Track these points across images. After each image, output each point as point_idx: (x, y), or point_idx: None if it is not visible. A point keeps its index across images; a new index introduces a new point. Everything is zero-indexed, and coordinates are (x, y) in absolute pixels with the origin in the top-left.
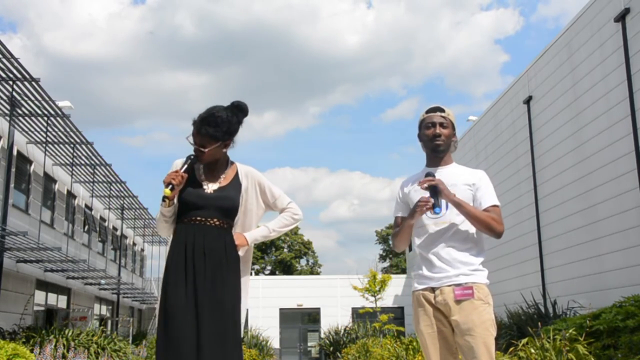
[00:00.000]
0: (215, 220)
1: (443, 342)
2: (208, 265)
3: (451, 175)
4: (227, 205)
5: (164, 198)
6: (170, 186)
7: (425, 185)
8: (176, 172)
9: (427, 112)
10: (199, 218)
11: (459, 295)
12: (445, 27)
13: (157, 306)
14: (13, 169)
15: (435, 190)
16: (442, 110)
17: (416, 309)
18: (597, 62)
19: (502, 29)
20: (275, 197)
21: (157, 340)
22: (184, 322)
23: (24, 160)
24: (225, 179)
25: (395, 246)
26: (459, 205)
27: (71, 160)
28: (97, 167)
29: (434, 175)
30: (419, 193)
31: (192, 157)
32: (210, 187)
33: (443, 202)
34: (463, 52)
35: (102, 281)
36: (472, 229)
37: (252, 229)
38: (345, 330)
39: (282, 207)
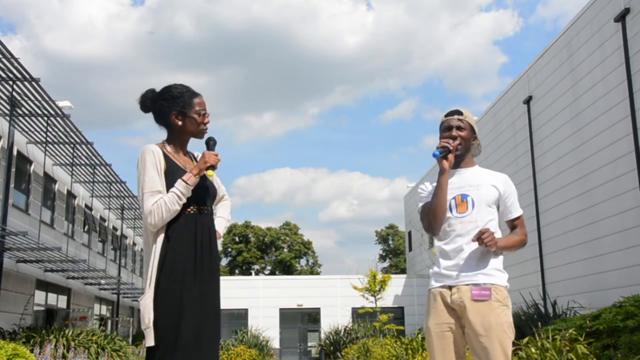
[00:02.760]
0: (210, 208)
1: (452, 343)
2: (213, 255)
3: (475, 176)
4: (214, 193)
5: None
6: (213, 168)
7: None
8: (216, 154)
9: (446, 115)
10: (205, 207)
11: (476, 295)
12: (445, 28)
13: (149, 294)
14: (13, 169)
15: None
16: (460, 113)
17: (429, 306)
18: (597, 62)
19: (501, 30)
20: (218, 184)
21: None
22: (198, 311)
23: (24, 160)
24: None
25: (433, 213)
26: (504, 248)
27: (71, 160)
28: (97, 167)
29: (447, 149)
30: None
31: (213, 138)
32: None
33: (470, 200)
34: (462, 53)
35: (102, 281)
36: (497, 231)
37: None
38: (345, 330)
39: (222, 194)
